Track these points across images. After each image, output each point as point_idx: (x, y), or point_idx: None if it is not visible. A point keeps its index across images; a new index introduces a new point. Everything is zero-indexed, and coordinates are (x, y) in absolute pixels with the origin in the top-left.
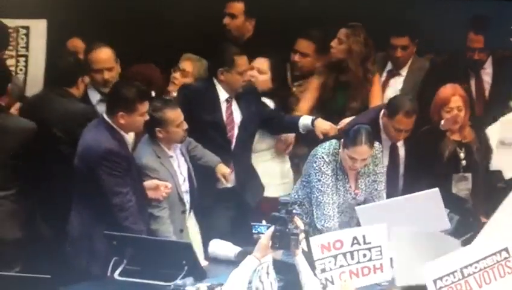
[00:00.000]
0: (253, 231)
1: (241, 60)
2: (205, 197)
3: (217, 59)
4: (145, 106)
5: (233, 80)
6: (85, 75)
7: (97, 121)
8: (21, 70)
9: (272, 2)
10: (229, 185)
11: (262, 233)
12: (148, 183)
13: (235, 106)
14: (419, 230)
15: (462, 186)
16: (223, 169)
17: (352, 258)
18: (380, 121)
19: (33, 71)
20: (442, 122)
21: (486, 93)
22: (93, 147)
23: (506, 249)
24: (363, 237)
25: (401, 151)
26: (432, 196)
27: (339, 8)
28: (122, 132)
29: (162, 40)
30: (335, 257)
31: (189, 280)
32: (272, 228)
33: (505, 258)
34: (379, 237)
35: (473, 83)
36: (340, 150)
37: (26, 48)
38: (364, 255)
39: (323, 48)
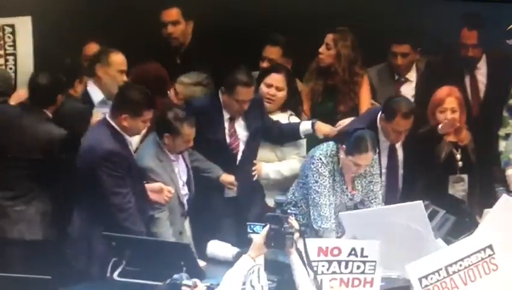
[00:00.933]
0: (249, 230)
1: (243, 91)
2: (206, 202)
3: (222, 78)
4: (149, 114)
5: (231, 104)
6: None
7: (98, 124)
8: (11, 69)
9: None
10: (234, 194)
11: (258, 233)
12: (152, 185)
13: (239, 123)
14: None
15: (458, 188)
16: (227, 178)
17: (346, 267)
18: (378, 125)
19: (23, 69)
20: (440, 126)
21: (481, 94)
22: (94, 147)
23: (490, 246)
24: (362, 249)
25: (400, 152)
26: (414, 208)
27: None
28: (123, 133)
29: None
30: (330, 262)
31: (185, 274)
32: (267, 228)
33: (489, 255)
34: (376, 253)
35: (467, 83)
36: (341, 156)
37: (14, 46)
38: (358, 267)
39: (290, 51)
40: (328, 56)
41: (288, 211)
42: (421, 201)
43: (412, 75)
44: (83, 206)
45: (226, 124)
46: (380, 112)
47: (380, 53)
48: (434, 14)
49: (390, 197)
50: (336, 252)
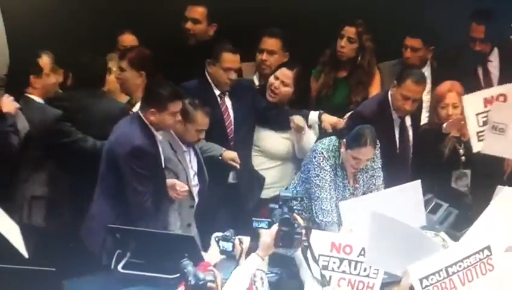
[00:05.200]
0: (255, 225)
1: (228, 57)
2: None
3: (209, 50)
4: (176, 106)
5: (217, 74)
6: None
7: (131, 117)
8: None
9: (235, 7)
10: (234, 180)
11: (264, 228)
12: (166, 181)
13: (228, 102)
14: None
15: (461, 183)
16: (229, 155)
17: (355, 268)
18: (390, 97)
19: None
20: (444, 125)
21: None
22: (123, 143)
23: (488, 247)
24: None
25: (410, 132)
26: (413, 188)
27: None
28: (153, 130)
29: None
30: (341, 260)
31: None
32: (276, 228)
33: (487, 256)
34: None
35: (481, 76)
36: (342, 150)
37: None
38: (365, 270)
39: (288, 44)
40: (351, 50)
41: (294, 207)
42: (419, 181)
43: (426, 72)
44: (104, 195)
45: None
46: (394, 81)
47: (389, 48)
48: (442, 9)
49: (400, 176)
50: (347, 250)
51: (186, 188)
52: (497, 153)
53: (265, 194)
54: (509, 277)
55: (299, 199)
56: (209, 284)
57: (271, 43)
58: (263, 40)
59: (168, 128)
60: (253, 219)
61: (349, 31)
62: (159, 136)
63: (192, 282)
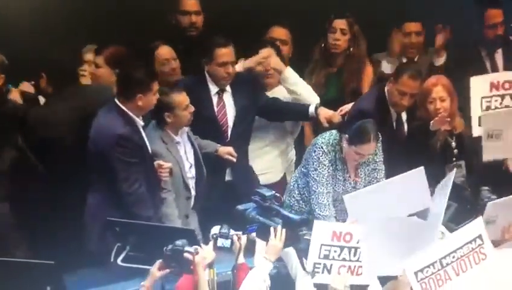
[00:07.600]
0: (251, 230)
1: (221, 52)
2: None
3: (201, 50)
4: (157, 85)
5: (215, 71)
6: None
7: (108, 107)
8: None
9: None
10: (231, 178)
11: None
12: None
13: (227, 99)
14: (390, 216)
15: (457, 175)
16: (225, 149)
17: (355, 255)
18: (386, 93)
19: None
20: (431, 123)
21: None
22: (106, 133)
23: (480, 236)
24: None
25: (405, 127)
26: (417, 175)
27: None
28: (134, 117)
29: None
30: (341, 248)
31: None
32: (283, 232)
33: (479, 245)
34: None
35: (489, 69)
36: (344, 145)
37: None
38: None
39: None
40: (345, 41)
41: (272, 205)
42: (422, 167)
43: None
44: (96, 187)
45: (215, 99)
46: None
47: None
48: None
49: (397, 164)
50: (348, 238)
51: (169, 164)
52: (498, 157)
53: None
54: (502, 265)
55: (274, 193)
56: (185, 254)
57: (281, 32)
58: (272, 29)
59: (150, 108)
60: (248, 226)
61: (340, 23)
62: (140, 121)
63: (169, 247)
